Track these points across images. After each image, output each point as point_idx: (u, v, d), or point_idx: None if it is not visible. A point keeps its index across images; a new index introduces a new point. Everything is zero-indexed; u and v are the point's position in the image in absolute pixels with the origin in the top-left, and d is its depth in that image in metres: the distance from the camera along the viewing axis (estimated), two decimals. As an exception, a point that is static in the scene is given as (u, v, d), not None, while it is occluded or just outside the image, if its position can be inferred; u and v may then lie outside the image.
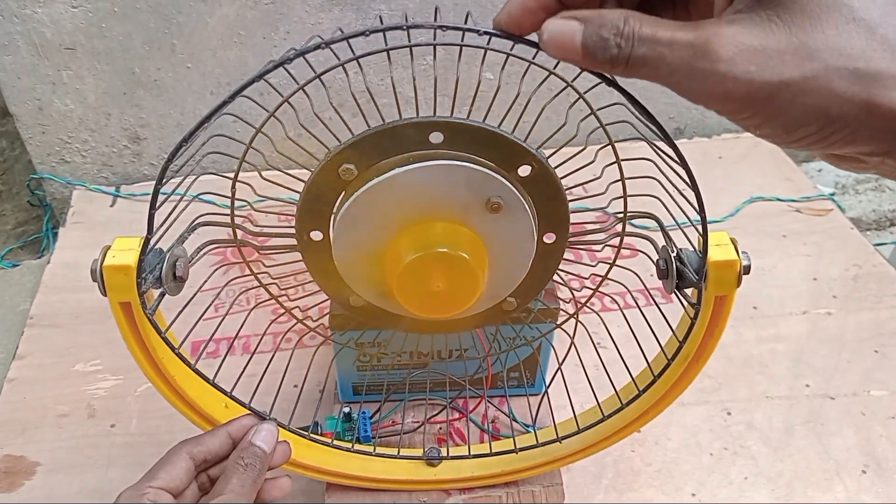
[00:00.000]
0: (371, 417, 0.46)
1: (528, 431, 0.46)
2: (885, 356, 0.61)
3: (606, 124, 0.32)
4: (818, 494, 0.51)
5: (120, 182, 0.79)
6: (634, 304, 0.41)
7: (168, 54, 0.73)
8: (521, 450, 0.43)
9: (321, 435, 0.42)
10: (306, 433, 0.42)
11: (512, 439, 0.43)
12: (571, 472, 0.52)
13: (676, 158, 0.31)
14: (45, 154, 0.77)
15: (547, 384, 0.46)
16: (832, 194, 0.81)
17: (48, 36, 0.69)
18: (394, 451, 0.43)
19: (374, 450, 0.42)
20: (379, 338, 0.44)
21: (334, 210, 0.34)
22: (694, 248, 0.34)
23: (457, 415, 0.48)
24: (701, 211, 0.32)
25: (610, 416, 0.41)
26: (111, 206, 0.76)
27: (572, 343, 0.42)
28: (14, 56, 0.69)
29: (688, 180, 0.32)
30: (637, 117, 0.31)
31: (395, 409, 0.48)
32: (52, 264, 0.68)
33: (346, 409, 0.45)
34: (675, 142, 0.33)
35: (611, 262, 0.38)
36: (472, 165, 0.32)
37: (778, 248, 0.72)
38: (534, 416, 0.46)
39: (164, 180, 0.31)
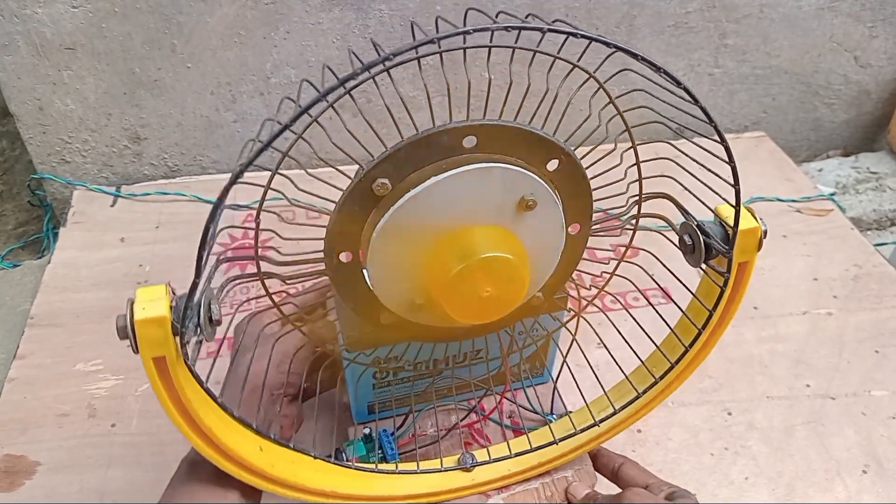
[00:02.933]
0: (392, 434, 0.45)
1: (550, 420, 0.46)
2: (886, 356, 0.61)
3: (625, 110, 0.33)
4: (819, 494, 0.51)
5: (120, 182, 0.80)
6: (658, 288, 0.42)
7: (168, 54, 0.73)
8: (562, 439, 0.43)
9: (349, 461, 0.41)
10: (351, 463, 0.40)
11: (546, 429, 0.44)
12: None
13: (717, 137, 0.32)
14: (46, 154, 0.77)
15: (559, 371, 0.45)
16: (832, 194, 0.81)
17: (48, 36, 0.69)
18: (437, 465, 0.42)
19: (418, 467, 0.42)
20: (393, 352, 0.43)
21: (365, 227, 0.33)
22: (722, 220, 0.35)
23: (477, 416, 0.48)
24: (735, 183, 0.33)
25: (645, 391, 0.41)
26: (112, 206, 0.76)
27: (580, 324, 0.42)
28: (14, 56, 0.70)
29: (707, 168, 0.33)
30: (659, 99, 0.32)
31: (413, 420, 0.47)
32: (52, 264, 0.68)
33: (367, 431, 0.44)
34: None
35: (623, 255, 0.39)
36: (506, 165, 0.32)
37: (778, 249, 0.72)
38: (552, 404, 0.47)
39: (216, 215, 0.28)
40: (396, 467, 0.41)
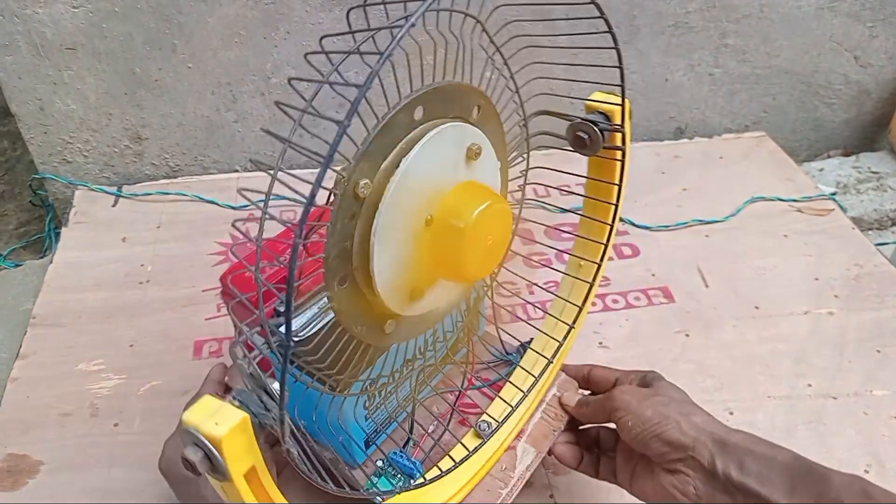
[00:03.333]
0: (401, 451, 0.44)
1: (513, 360, 0.47)
2: (887, 356, 0.61)
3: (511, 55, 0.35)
4: (820, 494, 0.51)
5: (122, 182, 0.80)
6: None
7: (169, 54, 0.73)
8: (554, 356, 0.45)
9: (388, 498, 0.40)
10: (423, 480, 0.40)
11: (532, 357, 0.45)
12: (573, 475, 0.52)
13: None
14: (47, 154, 0.77)
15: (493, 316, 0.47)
16: (833, 194, 0.81)
17: (49, 36, 0.69)
18: (477, 442, 0.43)
19: (473, 449, 0.43)
20: (369, 373, 0.41)
21: (356, 239, 0.31)
22: (599, 106, 0.39)
23: (458, 394, 0.48)
24: (620, 63, 0.37)
25: (595, 277, 0.45)
26: (113, 205, 0.76)
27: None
28: (15, 56, 0.70)
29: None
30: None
31: (410, 435, 0.46)
32: (54, 264, 0.68)
33: (379, 463, 0.44)
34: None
35: (527, 172, 0.43)
36: (450, 123, 0.33)
37: (779, 248, 0.72)
38: (502, 346, 0.49)
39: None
40: (455, 462, 0.42)
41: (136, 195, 0.77)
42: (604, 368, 0.48)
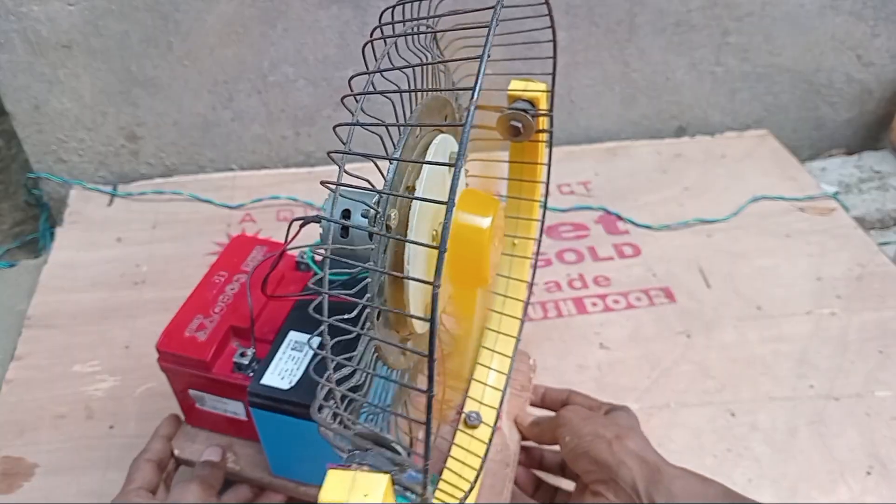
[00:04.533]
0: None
1: None
2: (890, 357, 0.61)
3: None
4: (822, 496, 0.50)
5: (117, 181, 0.79)
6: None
7: (165, 52, 0.72)
8: (519, 333, 0.47)
9: None
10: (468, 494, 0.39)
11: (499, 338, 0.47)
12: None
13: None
14: (42, 153, 0.76)
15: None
16: (836, 193, 0.80)
17: (44, 34, 0.69)
18: (473, 433, 0.43)
19: (489, 439, 0.43)
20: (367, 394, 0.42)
21: (387, 267, 0.31)
22: (525, 94, 0.40)
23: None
24: (554, 55, 0.39)
25: (538, 254, 0.47)
26: (108, 205, 0.76)
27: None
28: (10, 54, 0.69)
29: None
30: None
31: (410, 445, 0.46)
32: (49, 264, 0.68)
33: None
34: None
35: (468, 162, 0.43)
36: (440, 136, 0.34)
37: (781, 248, 0.72)
38: None
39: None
40: (482, 458, 0.41)
41: (132, 194, 0.77)
42: (581, 395, 0.47)
